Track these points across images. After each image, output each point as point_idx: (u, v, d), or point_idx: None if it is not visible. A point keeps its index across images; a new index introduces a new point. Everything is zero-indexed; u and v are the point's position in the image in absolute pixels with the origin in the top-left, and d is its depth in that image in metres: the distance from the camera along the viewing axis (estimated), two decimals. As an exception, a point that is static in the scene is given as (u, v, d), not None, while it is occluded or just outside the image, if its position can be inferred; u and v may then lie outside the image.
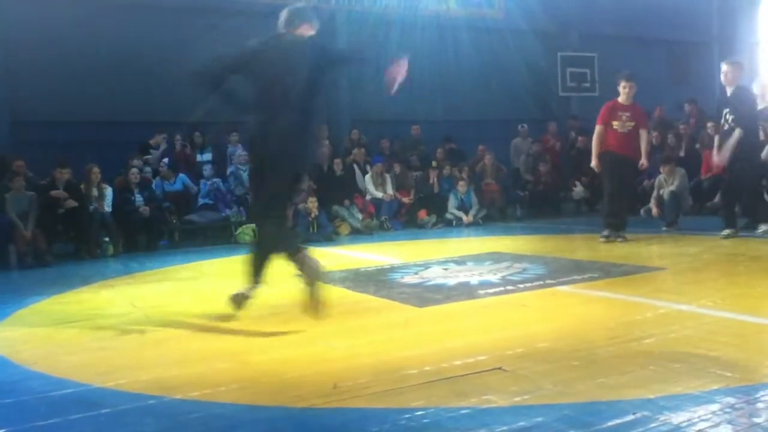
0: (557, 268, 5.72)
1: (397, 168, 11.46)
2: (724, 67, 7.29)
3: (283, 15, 4.24)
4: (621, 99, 7.48)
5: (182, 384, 2.96)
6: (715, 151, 7.49)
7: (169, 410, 2.68)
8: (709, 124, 10.92)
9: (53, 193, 8.64)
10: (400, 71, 4.19)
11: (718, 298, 4.20)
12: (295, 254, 4.08)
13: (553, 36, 14.87)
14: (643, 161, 7.47)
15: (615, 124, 7.39)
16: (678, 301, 4.14)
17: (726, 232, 7.16)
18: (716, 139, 7.56)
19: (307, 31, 4.24)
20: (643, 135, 7.47)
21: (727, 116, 7.17)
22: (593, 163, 7.60)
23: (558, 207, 12.57)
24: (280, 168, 4.07)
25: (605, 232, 7.47)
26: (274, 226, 4.21)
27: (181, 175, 10.44)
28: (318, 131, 4.05)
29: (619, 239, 7.38)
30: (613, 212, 7.53)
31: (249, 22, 11.83)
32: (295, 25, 4.22)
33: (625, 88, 7.42)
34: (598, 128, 7.56)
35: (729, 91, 7.21)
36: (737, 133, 7.00)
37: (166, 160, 10.51)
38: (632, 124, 7.36)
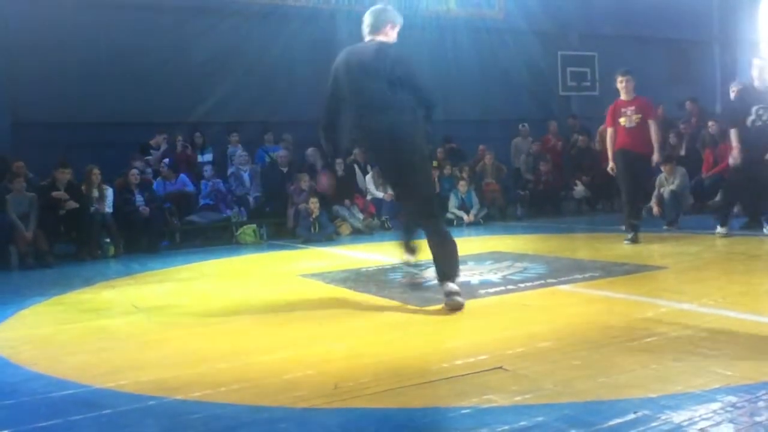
0: (558, 268, 5.71)
1: None
2: (757, 61, 7.12)
3: (365, 19, 4.39)
4: (622, 96, 7.39)
5: (183, 385, 2.96)
6: (736, 149, 7.08)
7: (170, 411, 2.68)
8: (711, 123, 10.94)
9: (54, 194, 8.65)
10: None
11: (719, 296, 4.20)
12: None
13: (553, 36, 14.88)
14: (656, 155, 7.26)
15: (622, 120, 7.27)
16: (679, 300, 4.14)
17: (722, 230, 7.16)
18: (734, 135, 7.15)
19: (391, 32, 4.38)
20: (652, 126, 7.24)
21: (760, 111, 6.96)
22: (610, 165, 7.43)
23: (559, 206, 12.57)
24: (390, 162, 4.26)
25: (630, 235, 7.20)
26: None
27: (182, 175, 10.45)
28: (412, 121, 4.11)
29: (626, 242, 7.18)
30: (634, 213, 7.32)
31: (247, 23, 11.91)
32: (377, 28, 4.35)
33: (621, 83, 7.32)
34: (608, 131, 7.48)
35: (761, 86, 7.00)
36: None
37: (167, 160, 10.53)
38: (639, 116, 7.19)
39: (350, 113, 4.33)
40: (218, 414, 2.60)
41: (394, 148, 4.14)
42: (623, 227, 7.49)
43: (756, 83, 7.13)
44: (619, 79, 7.35)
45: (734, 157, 7.16)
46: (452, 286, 4.17)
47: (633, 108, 7.24)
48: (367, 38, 4.38)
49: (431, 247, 4.23)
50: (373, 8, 4.43)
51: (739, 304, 3.98)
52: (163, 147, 10.83)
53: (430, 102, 4.27)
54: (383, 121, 4.13)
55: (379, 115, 4.14)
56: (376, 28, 4.35)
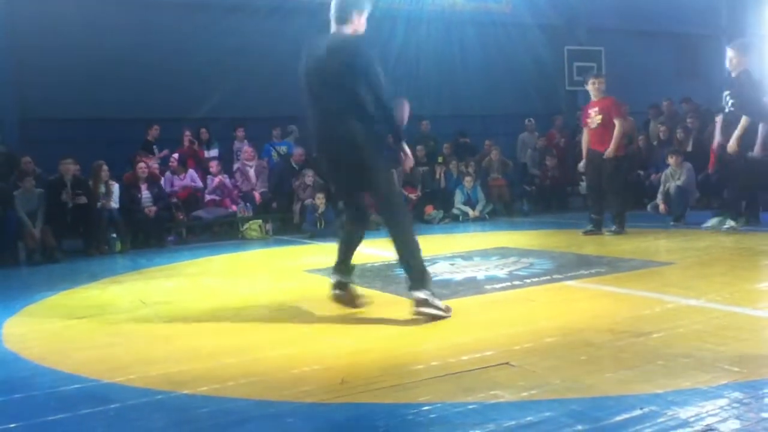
0: (564, 263, 5.71)
1: None
2: (729, 52, 7.22)
3: (331, 7, 3.99)
4: (592, 97, 7.86)
5: (191, 379, 2.98)
6: (717, 135, 7.50)
7: (177, 405, 2.70)
8: (717, 118, 10.86)
9: (64, 198, 8.61)
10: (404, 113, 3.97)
11: (726, 292, 4.18)
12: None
13: (559, 30, 14.83)
14: (608, 151, 7.55)
15: (588, 121, 7.78)
16: (686, 295, 4.12)
17: (731, 224, 7.25)
18: (718, 122, 7.56)
19: (358, 20, 4.00)
20: (616, 124, 7.59)
21: (728, 99, 7.18)
22: (580, 164, 8.12)
23: (565, 202, 12.54)
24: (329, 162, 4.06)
25: (589, 226, 7.77)
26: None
27: (191, 170, 10.47)
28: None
29: (584, 232, 7.73)
30: (595, 208, 7.82)
31: (254, 18, 11.91)
32: (343, 19, 3.98)
33: (590, 84, 7.80)
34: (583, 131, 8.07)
35: (734, 74, 7.15)
36: (743, 121, 6.96)
37: (176, 155, 10.53)
38: (599, 117, 7.61)
39: (311, 120, 4.05)
40: (226, 408, 2.61)
41: (353, 158, 3.84)
42: (613, 227, 7.65)
43: (731, 72, 7.24)
44: (590, 81, 7.83)
45: (722, 147, 7.48)
46: (419, 295, 3.84)
47: (596, 109, 7.70)
48: (333, 29, 4.02)
49: (397, 250, 3.92)
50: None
51: (746, 300, 3.97)
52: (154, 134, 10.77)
53: (385, 105, 3.80)
54: (339, 128, 3.82)
55: (335, 121, 3.83)
56: (341, 19, 3.98)
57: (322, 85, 3.88)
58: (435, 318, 3.80)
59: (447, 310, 3.89)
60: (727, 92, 7.24)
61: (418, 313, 3.83)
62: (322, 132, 3.97)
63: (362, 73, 3.77)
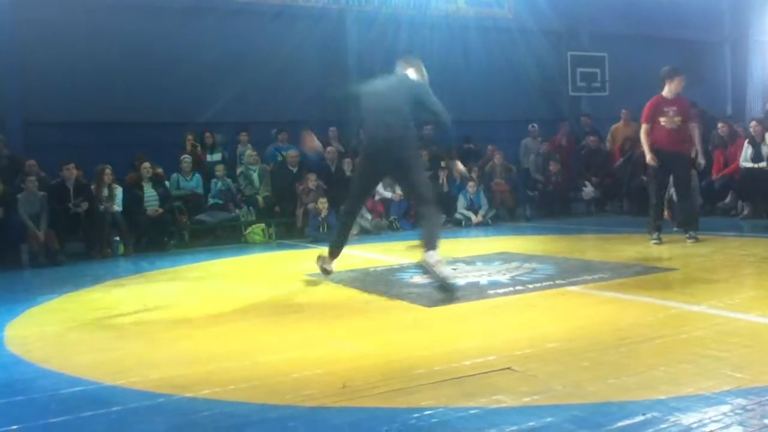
0: (567, 269, 5.70)
1: None
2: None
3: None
4: (668, 95, 7.33)
5: (192, 383, 2.98)
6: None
7: (179, 409, 2.70)
8: (721, 125, 10.87)
9: (71, 205, 8.61)
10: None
11: (729, 299, 4.17)
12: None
13: (562, 35, 14.83)
14: (700, 160, 7.37)
15: (663, 120, 7.22)
16: (689, 301, 4.12)
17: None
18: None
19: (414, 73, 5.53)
20: (694, 127, 7.40)
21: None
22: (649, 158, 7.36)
23: (568, 207, 12.52)
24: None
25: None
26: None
27: (197, 174, 10.47)
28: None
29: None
30: (660, 215, 7.52)
31: (257, 23, 11.94)
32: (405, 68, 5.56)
33: (671, 82, 7.29)
34: (644, 127, 7.43)
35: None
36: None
37: (188, 156, 10.49)
38: (679, 118, 7.20)
39: (370, 124, 5.32)
40: (227, 412, 2.61)
41: (402, 155, 5.15)
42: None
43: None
44: (678, 77, 7.35)
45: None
46: (432, 255, 4.74)
47: (675, 108, 7.23)
48: (398, 70, 5.52)
49: (426, 227, 5.02)
50: (408, 56, 5.73)
51: (750, 306, 3.96)
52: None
53: (443, 120, 5.36)
54: (396, 133, 5.12)
55: (393, 129, 5.13)
56: (404, 67, 5.55)
57: (390, 103, 5.20)
58: (438, 277, 4.66)
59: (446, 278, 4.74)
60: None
61: (425, 264, 4.73)
62: (385, 137, 5.15)
63: (423, 97, 5.30)
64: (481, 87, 13.46)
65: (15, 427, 2.56)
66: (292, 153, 11.00)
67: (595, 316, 3.94)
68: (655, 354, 3.06)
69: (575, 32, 15.05)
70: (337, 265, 5.73)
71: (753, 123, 9.90)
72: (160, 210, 9.34)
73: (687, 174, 7.46)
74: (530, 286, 4.96)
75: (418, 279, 5.51)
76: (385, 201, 10.94)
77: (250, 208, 10.48)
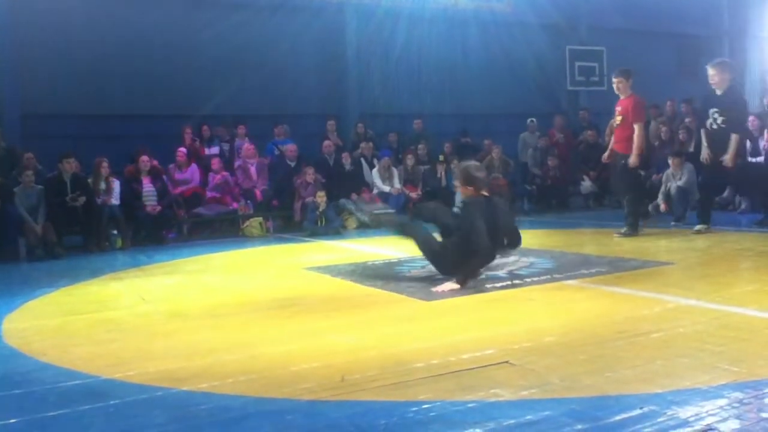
0: (565, 263, 5.71)
1: (410, 160, 11.45)
2: (710, 70, 7.11)
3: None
4: (718, 91, 7.19)
5: (190, 376, 2.98)
6: (706, 152, 7.22)
7: (177, 402, 2.70)
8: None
9: (69, 198, 8.57)
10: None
11: (726, 293, 4.18)
12: None
13: (561, 29, 14.80)
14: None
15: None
16: (686, 295, 4.13)
17: (699, 227, 7.23)
18: (703, 137, 7.34)
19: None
20: (635, 129, 7.17)
21: (716, 117, 7.07)
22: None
23: (566, 201, 12.53)
24: None
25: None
26: None
27: (194, 165, 10.45)
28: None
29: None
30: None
31: (256, 16, 11.90)
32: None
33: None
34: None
35: (719, 92, 7.07)
36: (735, 138, 6.97)
37: (183, 149, 10.47)
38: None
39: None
40: (225, 405, 2.62)
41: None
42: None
43: (715, 90, 7.16)
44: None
45: (702, 157, 7.38)
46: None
47: (619, 108, 7.35)
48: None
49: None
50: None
51: (747, 300, 3.97)
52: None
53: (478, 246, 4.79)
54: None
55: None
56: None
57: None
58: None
59: None
60: (715, 110, 7.09)
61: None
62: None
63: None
64: (480, 81, 13.46)
65: (13, 420, 2.56)
66: (290, 147, 11.00)
67: (592, 310, 3.95)
68: (652, 348, 3.07)
69: (574, 26, 15.03)
70: (336, 258, 5.72)
71: (751, 118, 9.90)
72: (159, 207, 9.32)
73: (622, 173, 7.38)
74: (528, 280, 4.97)
75: (416, 273, 5.52)
76: (383, 195, 10.94)
77: (248, 201, 10.47)
